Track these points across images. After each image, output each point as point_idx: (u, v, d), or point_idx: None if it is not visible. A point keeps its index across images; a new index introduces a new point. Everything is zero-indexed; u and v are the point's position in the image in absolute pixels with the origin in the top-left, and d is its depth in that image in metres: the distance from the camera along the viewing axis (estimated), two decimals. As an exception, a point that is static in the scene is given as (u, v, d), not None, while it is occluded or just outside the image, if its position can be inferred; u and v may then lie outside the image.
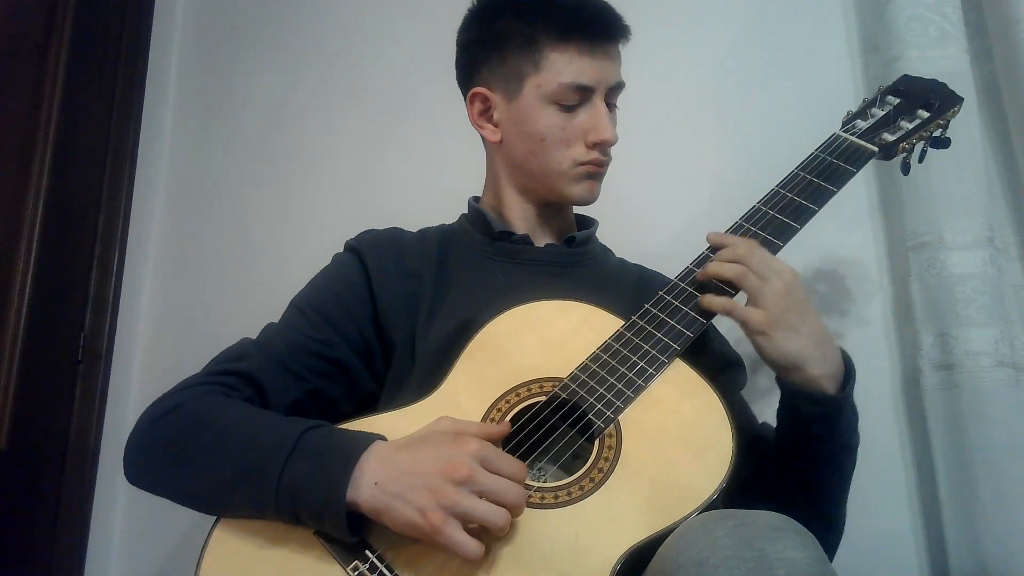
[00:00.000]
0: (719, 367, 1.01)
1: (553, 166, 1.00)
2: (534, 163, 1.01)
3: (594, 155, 0.99)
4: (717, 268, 0.86)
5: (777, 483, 0.88)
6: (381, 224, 1.08)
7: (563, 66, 0.97)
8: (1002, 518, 1.03)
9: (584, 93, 0.98)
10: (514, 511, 0.69)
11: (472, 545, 0.67)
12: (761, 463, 0.91)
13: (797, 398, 0.83)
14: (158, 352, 1.75)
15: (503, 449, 0.78)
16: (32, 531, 1.53)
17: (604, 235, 1.14)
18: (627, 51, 1.05)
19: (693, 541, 0.62)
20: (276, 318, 0.98)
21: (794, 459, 0.86)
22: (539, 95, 0.98)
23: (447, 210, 1.14)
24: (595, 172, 1.01)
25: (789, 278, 0.83)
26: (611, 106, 1.03)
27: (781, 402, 0.86)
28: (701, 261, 0.90)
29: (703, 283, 0.87)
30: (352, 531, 0.71)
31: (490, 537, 0.69)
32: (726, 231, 0.91)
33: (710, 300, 0.85)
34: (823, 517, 0.87)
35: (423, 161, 1.62)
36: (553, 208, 1.07)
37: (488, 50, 1.02)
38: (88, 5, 1.75)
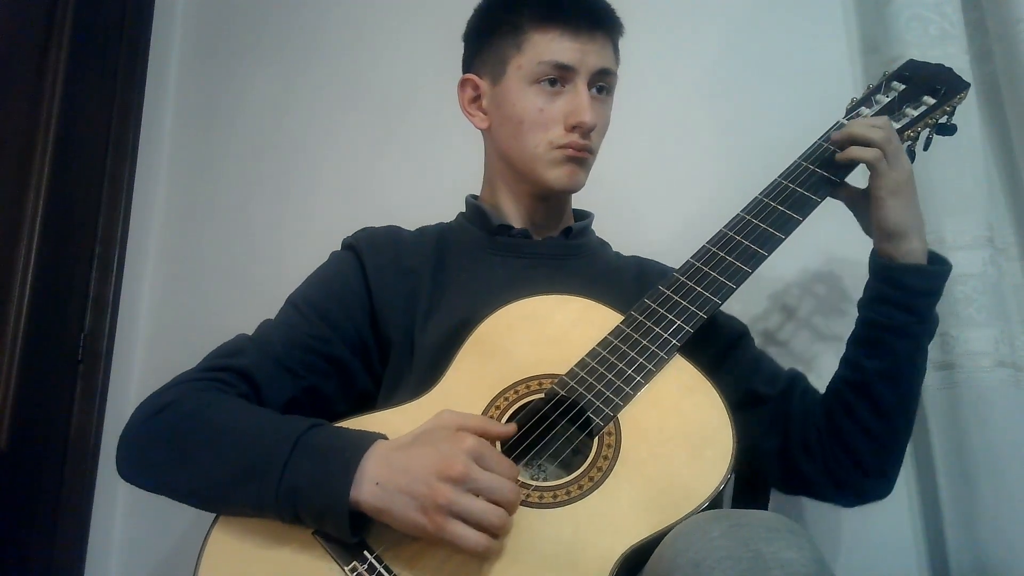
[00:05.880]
0: (734, 338, 1.02)
1: (530, 149, 0.98)
2: (515, 147, 1.00)
3: (572, 138, 0.97)
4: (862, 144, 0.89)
5: (852, 391, 0.89)
6: (380, 224, 1.08)
7: (544, 46, 0.97)
8: (1002, 518, 1.03)
9: (565, 73, 0.97)
10: (510, 509, 0.69)
11: (477, 537, 0.67)
12: (809, 395, 0.95)
13: (904, 272, 0.87)
14: (158, 352, 1.74)
15: (503, 447, 0.78)
16: (32, 531, 1.53)
17: (602, 232, 1.14)
18: (627, 49, 1.05)
19: (689, 542, 0.62)
20: (276, 317, 0.97)
21: (885, 347, 0.87)
22: (520, 76, 0.98)
23: (447, 209, 1.13)
24: (574, 156, 0.98)
25: (910, 162, 0.89)
26: (602, 90, 1.01)
27: (877, 284, 0.89)
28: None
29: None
30: (353, 531, 0.71)
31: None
32: (728, 223, 0.92)
33: (860, 149, 0.88)
34: (908, 414, 0.90)
35: (423, 161, 1.62)
36: (548, 204, 1.06)
37: (478, 40, 1.05)
38: (88, 5, 1.75)
